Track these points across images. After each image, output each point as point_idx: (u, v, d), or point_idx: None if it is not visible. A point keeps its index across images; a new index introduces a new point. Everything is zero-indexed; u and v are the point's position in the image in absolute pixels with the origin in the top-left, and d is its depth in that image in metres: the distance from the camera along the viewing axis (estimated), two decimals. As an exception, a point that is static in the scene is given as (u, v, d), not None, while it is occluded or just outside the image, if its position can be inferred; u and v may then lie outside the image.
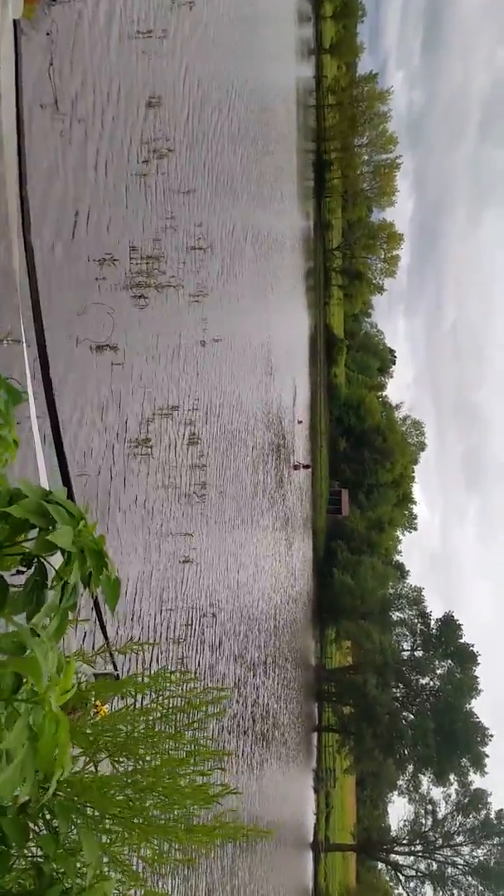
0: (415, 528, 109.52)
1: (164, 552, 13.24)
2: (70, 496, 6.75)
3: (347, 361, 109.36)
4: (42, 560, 2.44)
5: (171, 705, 4.06)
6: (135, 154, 12.14)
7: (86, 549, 2.49)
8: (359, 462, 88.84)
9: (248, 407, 25.02)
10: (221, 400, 19.80)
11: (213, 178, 19.70)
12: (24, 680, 2.18)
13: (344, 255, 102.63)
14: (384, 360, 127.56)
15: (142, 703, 4.12)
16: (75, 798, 2.89)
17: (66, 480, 6.57)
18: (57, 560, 2.47)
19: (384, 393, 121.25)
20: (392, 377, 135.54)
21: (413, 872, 66.02)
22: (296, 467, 43.76)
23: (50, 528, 2.39)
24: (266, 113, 35.19)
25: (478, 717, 62.96)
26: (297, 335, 54.80)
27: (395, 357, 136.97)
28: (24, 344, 6.78)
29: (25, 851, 2.62)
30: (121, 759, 3.51)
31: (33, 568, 2.43)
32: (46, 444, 6.68)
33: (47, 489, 2.55)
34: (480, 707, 65.96)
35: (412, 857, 66.66)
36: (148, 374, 12.72)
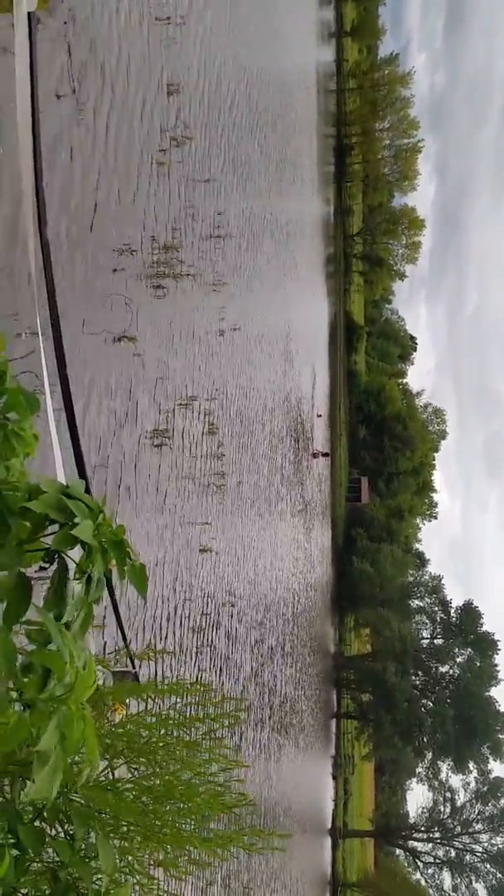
0: (434, 518, 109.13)
1: (181, 541, 13.28)
2: (87, 489, 6.76)
3: (368, 348, 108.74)
4: (63, 555, 2.45)
5: (188, 714, 4.07)
6: (153, 143, 12.08)
7: (106, 541, 2.49)
8: (379, 450, 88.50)
9: (266, 395, 24.96)
10: (240, 389, 19.77)
11: (233, 166, 19.57)
12: (51, 675, 2.19)
13: (364, 240, 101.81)
14: (405, 347, 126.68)
15: (159, 710, 4.13)
16: (91, 804, 2.90)
17: (83, 473, 6.57)
18: (77, 554, 2.47)
19: (405, 380, 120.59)
20: (413, 364, 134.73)
21: (431, 859, 66.24)
22: (315, 455, 43.66)
23: (69, 522, 2.40)
24: (286, 98, 34.87)
25: (498, 704, 62.86)
26: (316, 322, 54.55)
27: (416, 344, 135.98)
28: (41, 336, 6.79)
29: (42, 857, 2.64)
30: (138, 766, 3.52)
31: (55, 563, 2.44)
32: (63, 436, 6.69)
33: (65, 483, 2.54)
34: (501, 695, 65.88)
35: (430, 844, 66.86)
36: (166, 364, 12.71)
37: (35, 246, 6.25)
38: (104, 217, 9.86)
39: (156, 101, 12.31)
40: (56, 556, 2.33)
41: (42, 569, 2.37)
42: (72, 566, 2.36)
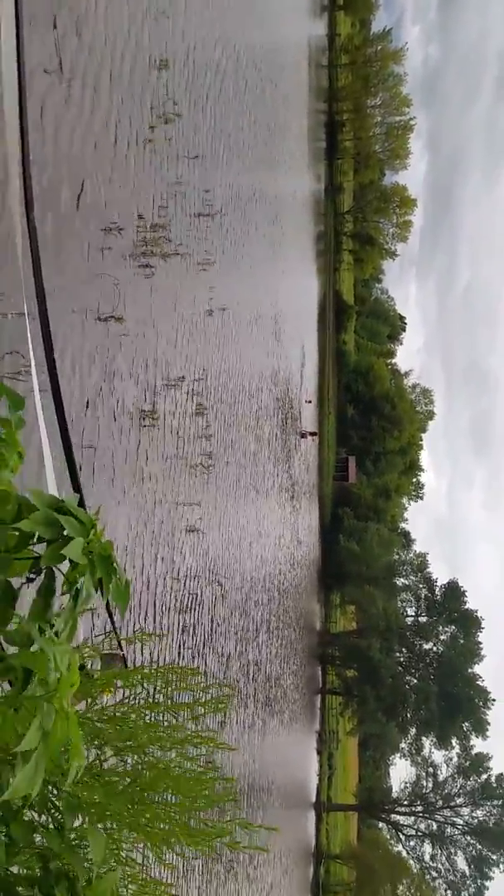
0: (421, 498, 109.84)
1: (169, 522, 13.31)
2: (73, 473, 6.75)
3: (357, 328, 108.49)
4: (51, 567, 2.46)
5: (175, 700, 4.11)
6: (141, 119, 11.92)
7: (95, 556, 2.50)
8: (367, 429, 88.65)
9: (255, 376, 24.92)
10: (228, 369, 19.72)
11: (222, 143, 19.36)
12: (34, 675, 2.22)
13: (355, 218, 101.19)
14: (394, 327, 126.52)
15: (147, 694, 4.17)
16: (80, 795, 2.94)
17: (70, 457, 6.57)
18: (65, 565, 2.49)
19: (393, 360, 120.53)
20: (402, 344, 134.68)
21: (413, 832, 67.44)
22: (303, 435, 43.71)
23: (59, 538, 2.40)
24: (277, 73, 34.43)
25: (482, 680, 63.76)
26: (306, 302, 54.33)
27: (405, 324, 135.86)
28: (28, 317, 6.74)
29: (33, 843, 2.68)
30: (125, 754, 3.56)
31: (43, 575, 2.46)
32: (49, 418, 6.67)
33: (57, 496, 2.54)
34: (484, 672, 66.69)
35: (413, 818, 68.02)
36: (154, 344, 12.65)
37: (22, 227, 6.20)
38: (91, 195, 9.75)
39: (144, 77, 12.13)
40: (44, 567, 2.34)
41: (29, 580, 2.39)
42: (59, 577, 2.38)
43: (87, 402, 9.72)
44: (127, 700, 4.04)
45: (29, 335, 6.71)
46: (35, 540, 2.34)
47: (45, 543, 2.35)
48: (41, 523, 2.30)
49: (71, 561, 2.34)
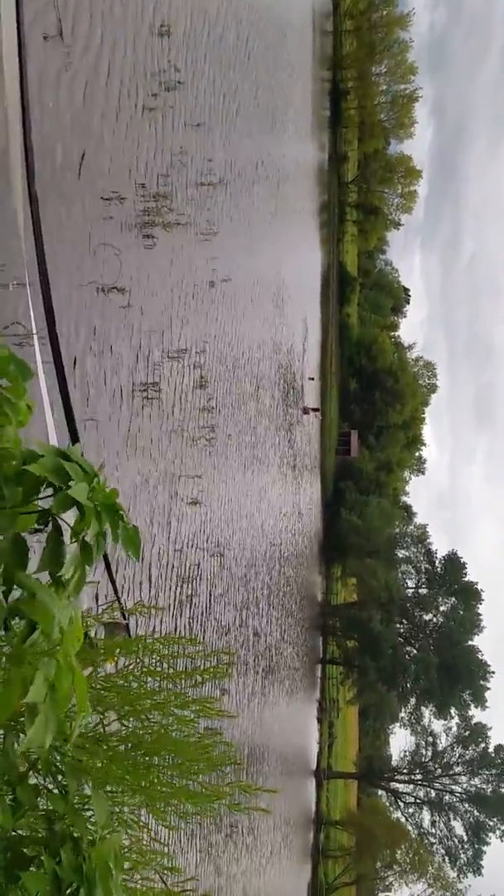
0: (423, 473, 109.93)
1: (172, 494, 13.37)
2: (76, 443, 6.78)
3: (360, 300, 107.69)
4: (57, 518, 2.50)
5: (178, 668, 4.18)
6: (144, 87, 11.76)
7: (100, 504, 2.54)
8: (369, 403, 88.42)
9: (257, 348, 24.83)
10: (231, 342, 19.65)
11: (225, 111, 19.10)
12: (37, 631, 2.26)
13: (360, 188, 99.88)
14: (398, 300, 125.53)
15: (149, 663, 4.24)
16: (83, 758, 3.01)
17: (72, 428, 6.59)
18: (71, 518, 2.53)
19: (397, 333, 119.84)
20: (405, 317, 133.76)
21: (412, 799, 68.55)
22: (305, 411, 43.61)
23: (65, 486, 2.45)
24: (281, 40, 33.81)
25: (481, 653, 64.35)
26: (309, 273, 53.91)
27: (409, 296, 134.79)
28: (29, 288, 6.72)
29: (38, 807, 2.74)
30: (128, 720, 3.63)
31: (50, 526, 2.49)
32: (52, 390, 6.68)
33: (59, 447, 2.58)
34: (483, 643, 67.20)
35: (412, 786, 69.11)
36: (156, 316, 12.60)
37: (23, 197, 6.15)
38: (92, 164, 9.66)
39: (146, 44, 11.94)
40: (50, 519, 2.38)
41: (36, 531, 2.42)
42: (66, 530, 2.42)
43: (90, 374, 9.72)
44: (129, 668, 4.11)
45: (31, 306, 6.70)
46: (38, 497, 2.38)
47: (52, 497, 2.40)
48: (49, 469, 2.33)
49: (79, 510, 2.38)
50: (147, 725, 3.68)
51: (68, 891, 2.47)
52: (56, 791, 2.84)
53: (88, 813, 2.73)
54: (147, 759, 3.50)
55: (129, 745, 3.50)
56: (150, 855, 3.70)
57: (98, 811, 2.58)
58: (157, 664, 4.24)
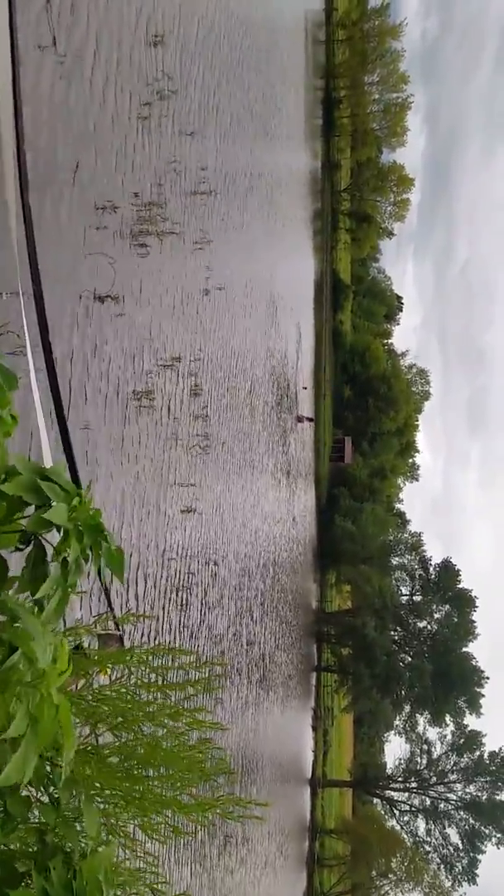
0: (416, 479, 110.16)
1: (166, 502, 13.34)
2: (69, 453, 6.77)
3: (353, 308, 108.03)
4: (40, 537, 2.47)
5: (169, 680, 4.15)
6: (137, 96, 11.79)
7: (83, 524, 2.50)
8: (363, 410, 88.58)
9: (251, 356, 24.86)
10: (225, 350, 19.67)
11: (219, 119, 19.17)
12: (17, 651, 2.22)
13: (352, 196, 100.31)
14: (391, 307, 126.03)
15: (142, 674, 4.21)
16: (75, 770, 2.98)
17: (66, 436, 6.58)
18: (56, 537, 2.49)
19: (390, 340, 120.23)
20: (398, 324, 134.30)
21: (407, 807, 68.35)
22: (300, 420, 43.64)
23: (45, 505, 2.41)
24: (274, 49, 33.99)
25: (475, 660, 64.30)
26: (303, 281, 54.06)
27: (402, 304, 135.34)
28: (22, 297, 6.71)
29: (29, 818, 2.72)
30: (120, 732, 3.61)
31: (31, 545, 2.46)
32: (45, 398, 6.66)
33: (42, 465, 2.55)
34: (478, 650, 67.23)
35: (407, 793, 68.91)
36: (150, 324, 12.60)
37: (16, 206, 6.15)
38: (86, 174, 9.67)
39: (139, 53, 11.98)
40: (32, 537, 2.35)
41: (18, 550, 2.39)
42: (50, 549, 2.39)
43: (83, 383, 9.71)
44: (121, 679, 4.08)
45: (24, 315, 6.69)
46: (22, 514, 2.35)
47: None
48: (25, 488, 2.30)
49: (61, 532, 2.35)
50: (139, 737, 3.66)
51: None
52: (48, 802, 2.82)
53: (81, 827, 2.71)
54: (139, 770, 3.48)
55: (121, 756, 3.48)
56: (142, 869, 3.67)
57: (89, 823, 2.55)
58: (150, 676, 4.22)
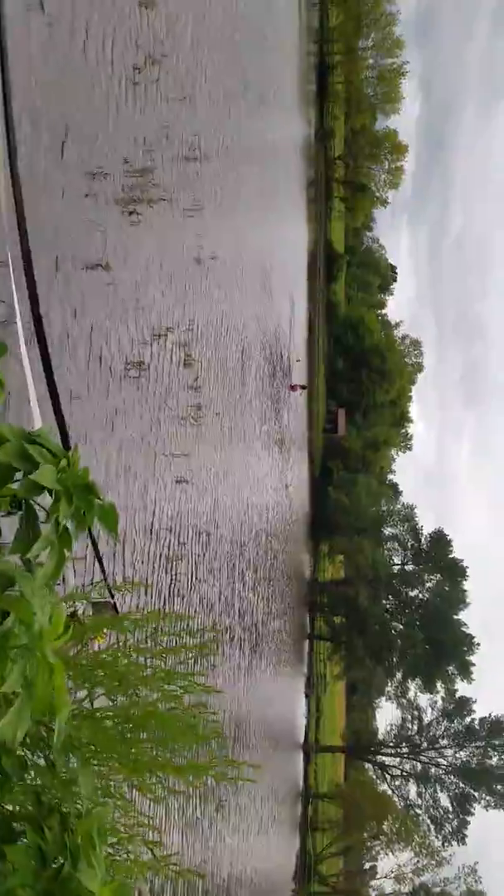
0: (409, 449, 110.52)
1: (159, 473, 13.38)
2: (61, 423, 6.77)
3: (347, 278, 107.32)
4: (32, 502, 2.49)
5: (165, 644, 4.21)
6: (127, 60, 11.58)
7: (72, 485, 2.52)
8: (357, 382, 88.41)
9: (245, 326, 24.74)
10: (217, 319, 19.56)
11: (210, 84, 18.85)
12: (11, 618, 2.25)
13: (347, 164, 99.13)
14: (385, 278, 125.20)
15: (137, 640, 4.27)
16: (71, 733, 3.03)
17: (57, 406, 6.59)
18: (48, 501, 2.51)
19: (384, 311, 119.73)
20: (392, 295, 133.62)
21: (398, 772, 69.63)
22: (293, 388, 43.62)
23: (33, 470, 2.42)
24: (267, 13, 33.34)
25: (466, 627, 65.08)
26: (296, 251, 53.62)
27: (396, 274, 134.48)
28: (12, 267, 6.65)
29: (25, 779, 2.77)
30: (116, 695, 3.66)
31: (23, 509, 2.47)
32: (36, 369, 6.65)
33: (30, 429, 2.56)
34: (470, 618, 67.77)
35: (398, 759, 70.16)
36: (141, 293, 12.52)
37: (4, 174, 6.08)
38: (75, 140, 9.53)
39: (129, 16, 11.74)
40: (23, 502, 2.36)
41: (10, 513, 2.41)
42: (42, 514, 2.41)
43: (74, 353, 9.67)
44: (116, 644, 4.14)
45: (13, 285, 6.64)
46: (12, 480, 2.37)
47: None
48: (14, 455, 2.32)
49: (52, 495, 2.37)
50: (134, 701, 3.72)
51: (53, 865, 2.50)
52: (44, 764, 2.87)
53: (76, 788, 2.76)
54: (134, 733, 3.55)
55: (117, 720, 3.54)
56: (137, 828, 3.75)
57: (84, 784, 2.61)
58: (145, 641, 4.28)
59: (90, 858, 2.39)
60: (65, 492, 2.49)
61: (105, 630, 4.59)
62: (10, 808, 2.84)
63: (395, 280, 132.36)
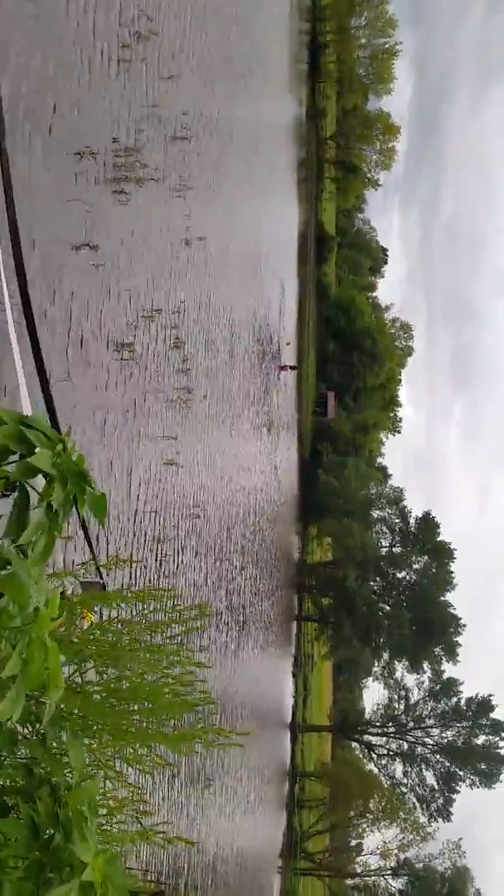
0: (399, 432, 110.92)
1: (148, 455, 13.39)
2: (50, 405, 6.76)
3: (338, 260, 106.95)
4: (26, 484, 2.51)
5: (155, 619, 4.25)
6: (115, 38, 11.44)
7: (66, 470, 2.55)
8: (347, 365, 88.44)
9: (234, 308, 24.67)
10: (206, 301, 19.50)
11: (200, 62, 18.64)
12: (5, 598, 2.28)
13: (338, 145, 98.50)
14: (376, 260, 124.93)
15: (127, 617, 4.31)
16: (62, 705, 3.08)
17: (46, 388, 6.56)
18: (40, 484, 2.53)
19: (375, 293, 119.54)
20: (383, 277, 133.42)
21: (385, 751, 70.55)
22: (283, 368, 43.65)
23: (29, 453, 2.45)
24: (257, -12, 32.92)
25: (453, 608, 65.69)
26: (286, 232, 53.36)
27: (387, 256, 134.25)
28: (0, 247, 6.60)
29: (16, 753, 2.82)
30: (105, 668, 3.71)
31: (16, 492, 2.50)
32: (25, 351, 6.62)
33: (24, 413, 2.58)
34: (456, 600, 68.41)
35: (384, 738, 71.06)
36: (129, 274, 12.46)
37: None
38: (63, 119, 9.43)
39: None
40: (17, 484, 2.39)
41: (4, 495, 2.44)
42: (34, 496, 2.43)
43: (63, 335, 9.64)
44: (106, 621, 4.18)
45: (1, 266, 6.60)
46: (6, 462, 2.39)
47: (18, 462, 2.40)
48: (11, 437, 2.34)
49: (46, 478, 2.40)
50: (123, 674, 3.77)
51: (45, 836, 2.55)
52: (34, 738, 2.92)
53: (66, 760, 2.81)
54: (123, 705, 3.60)
55: (106, 693, 3.59)
56: (127, 798, 3.82)
57: (74, 757, 2.65)
58: (134, 616, 4.32)
59: (82, 830, 2.44)
60: (59, 476, 2.51)
61: (94, 608, 4.63)
62: (0, 782, 2.89)
63: (385, 262, 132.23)
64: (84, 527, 6.66)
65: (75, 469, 2.59)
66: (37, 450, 2.43)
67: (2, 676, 2.19)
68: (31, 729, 2.93)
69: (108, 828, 3.61)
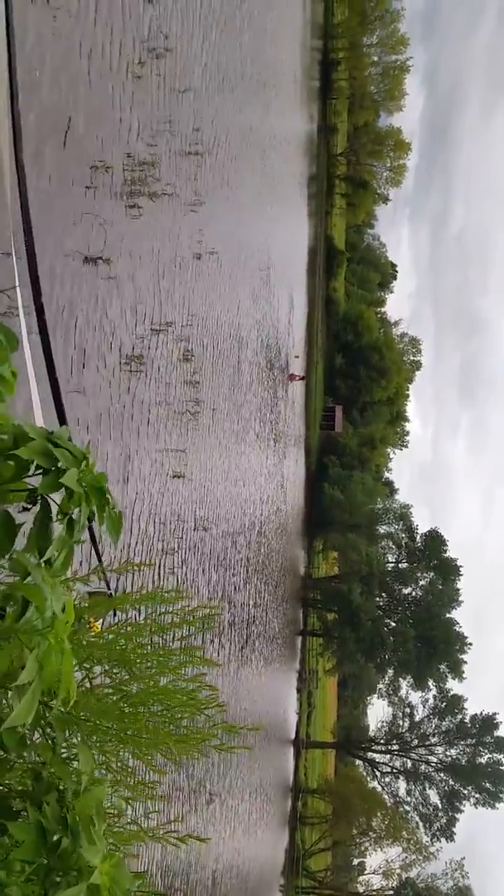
0: (405, 446, 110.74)
1: (156, 468, 13.44)
2: (62, 416, 6.81)
3: (347, 275, 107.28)
4: (46, 497, 2.57)
5: (164, 622, 4.29)
6: (131, 54, 11.61)
7: (88, 487, 2.61)
8: (354, 379, 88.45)
9: (244, 322, 24.79)
10: (217, 315, 19.61)
11: (214, 79, 18.87)
12: (30, 606, 2.34)
13: (349, 161, 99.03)
14: (385, 275, 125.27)
15: (136, 620, 4.35)
16: (71, 711, 3.12)
17: (58, 399, 6.63)
18: (59, 496, 2.60)
19: (383, 309, 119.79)
20: (392, 292, 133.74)
21: (388, 769, 69.91)
22: (292, 378, 43.85)
23: (54, 468, 2.51)
24: (271, 8, 33.30)
25: (458, 625, 65.24)
26: (296, 246, 53.62)
27: (396, 272, 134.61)
28: (15, 258, 6.70)
29: (25, 756, 2.85)
30: (115, 672, 3.75)
31: (38, 505, 2.56)
32: (37, 361, 6.70)
33: (48, 429, 2.64)
34: (462, 617, 68.09)
35: (388, 755, 70.45)
36: (141, 288, 12.57)
37: (10, 165, 6.13)
38: (78, 132, 9.57)
39: (134, 10, 11.77)
40: (39, 497, 2.44)
41: (25, 509, 2.49)
42: (54, 507, 2.49)
43: (75, 346, 9.72)
44: (114, 626, 4.22)
45: (16, 276, 6.69)
46: (30, 472, 2.44)
47: (41, 475, 2.46)
48: (38, 452, 2.40)
49: (66, 491, 2.45)
50: (134, 676, 3.80)
51: (53, 840, 2.58)
52: (43, 741, 2.95)
53: (75, 764, 2.84)
54: (133, 709, 3.63)
55: (116, 697, 3.62)
56: (137, 793, 3.83)
57: (83, 761, 2.69)
58: (144, 620, 4.35)
59: (90, 834, 2.47)
60: (83, 493, 2.58)
61: (101, 618, 4.67)
62: (8, 784, 2.93)
63: (394, 277, 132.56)
64: (93, 538, 6.71)
65: (96, 486, 2.65)
66: (59, 464, 2.49)
67: (20, 683, 2.24)
68: (41, 732, 2.96)
69: (118, 828, 3.63)
